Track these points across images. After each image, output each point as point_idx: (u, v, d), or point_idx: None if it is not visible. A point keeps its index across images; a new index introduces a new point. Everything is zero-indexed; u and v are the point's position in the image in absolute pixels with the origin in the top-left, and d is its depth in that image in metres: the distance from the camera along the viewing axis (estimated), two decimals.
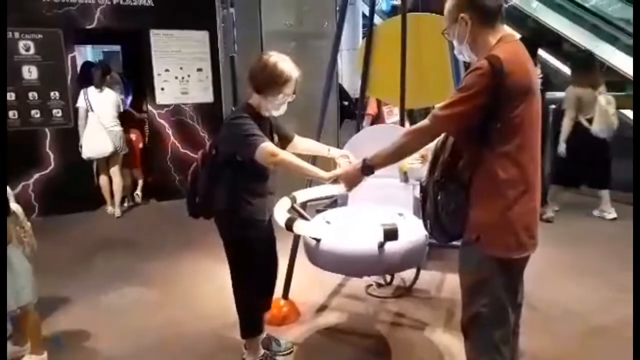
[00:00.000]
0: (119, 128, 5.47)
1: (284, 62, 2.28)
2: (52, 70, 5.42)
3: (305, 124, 5.70)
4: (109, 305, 3.39)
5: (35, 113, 5.41)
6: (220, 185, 2.35)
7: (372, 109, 5.17)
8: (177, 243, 4.55)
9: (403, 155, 1.93)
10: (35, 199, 5.47)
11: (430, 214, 1.86)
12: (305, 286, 3.41)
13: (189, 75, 6.18)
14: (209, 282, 3.67)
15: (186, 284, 3.73)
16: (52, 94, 5.45)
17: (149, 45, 5.92)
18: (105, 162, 5.52)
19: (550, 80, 6.57)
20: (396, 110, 4.59)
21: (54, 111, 5.50)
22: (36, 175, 5.46)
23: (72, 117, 5.53)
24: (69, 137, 5.53)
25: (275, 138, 2.43)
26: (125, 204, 5.88)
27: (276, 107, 2.35)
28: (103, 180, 5.58)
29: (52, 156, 5.51)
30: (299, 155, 2.37)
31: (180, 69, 6.13)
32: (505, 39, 1.74)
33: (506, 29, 1.79)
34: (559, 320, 3.01)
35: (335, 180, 2.19)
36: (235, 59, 6.41)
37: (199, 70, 6.22)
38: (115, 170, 5.54)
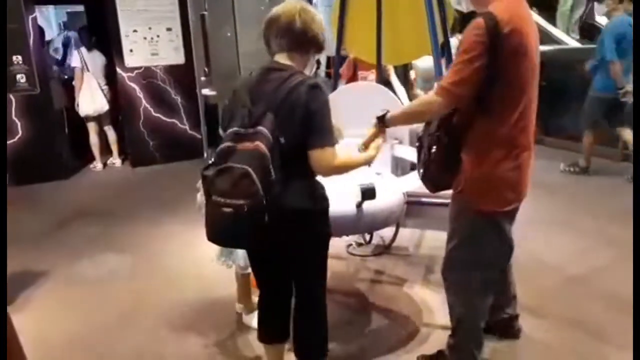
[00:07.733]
0: (106, 87, 5.87)
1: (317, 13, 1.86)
2: (13, 33, 5.11)
3: None
4: (84, 275, 3.35)
5: None
6: (295, 179, 1.72)
7: (344, 72, 4.73)
8: (151, 209, 4.49)
9: (417, 121, 2.13)
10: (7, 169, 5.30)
11: (422, 164, 1.96)
12: None
13: (158, 36, 5.93)
14: (183, 248, 3.64)
15: (161, 251, 3.68)
16: (14, 58, 5.19)
17: (114, 4, 5.64)
18: (97, 120, 5.81)
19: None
20: (371, 77, 4.46)
21: (18, 76, 5.25)
22: None
23: (37, 82, 5.32)
24: (36, 103, 5.32)
25: None
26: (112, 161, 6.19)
27: (309, 69, 1.96)
28: (95, 138, 5.89)
29: (18, 124, 5.31)
30: None
31: (149, 29, 5.88)
32: None
33: None
34: (535, 270, 3.08)
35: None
36: (206, 17, 6.17)
37: (169, 29, 5.97)
38: (109, 126, 5.96)
